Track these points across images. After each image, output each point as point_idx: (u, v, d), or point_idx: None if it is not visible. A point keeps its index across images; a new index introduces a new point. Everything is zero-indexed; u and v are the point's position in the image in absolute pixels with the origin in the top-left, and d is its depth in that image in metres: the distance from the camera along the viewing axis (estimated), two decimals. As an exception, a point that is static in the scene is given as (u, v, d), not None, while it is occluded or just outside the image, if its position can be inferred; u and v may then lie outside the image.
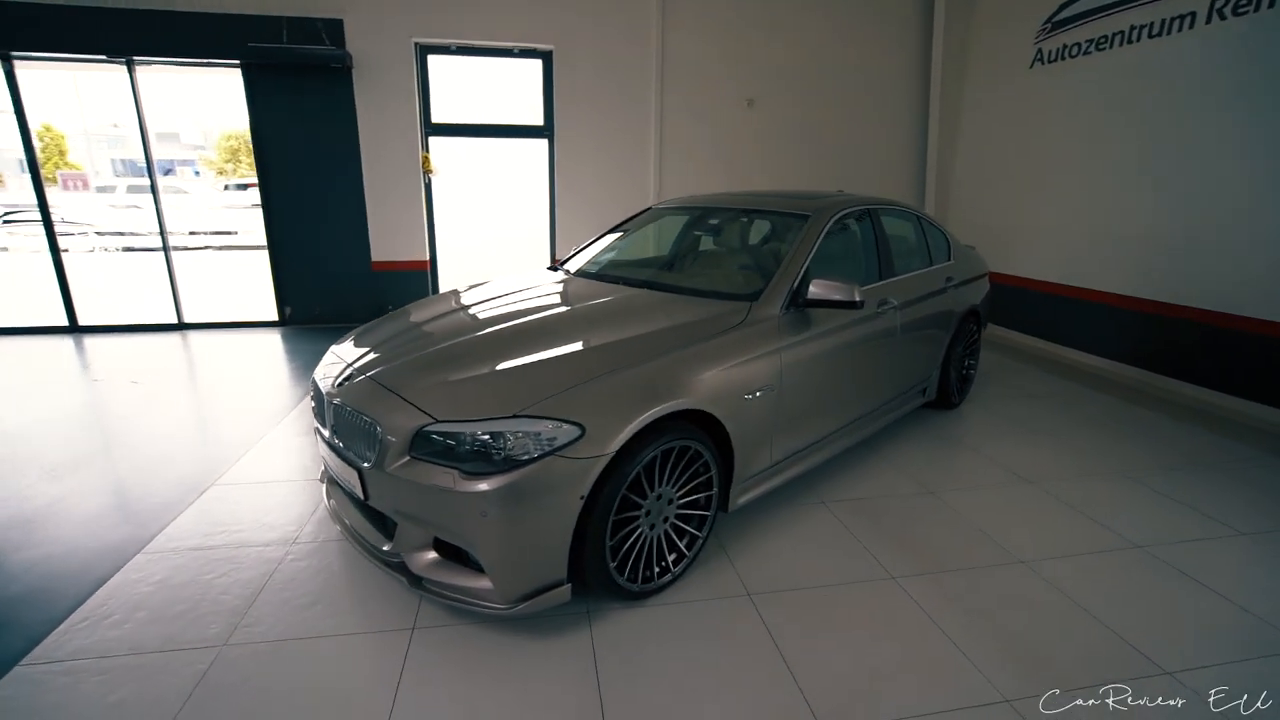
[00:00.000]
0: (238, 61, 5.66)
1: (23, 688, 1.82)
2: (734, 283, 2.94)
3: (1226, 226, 4.27)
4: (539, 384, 2.00)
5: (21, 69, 5.56)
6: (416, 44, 5.97)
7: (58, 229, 6.10)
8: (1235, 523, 2.80)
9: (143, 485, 3.06)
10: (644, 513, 2.12)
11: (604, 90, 6.34)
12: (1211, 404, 4.34)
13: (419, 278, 6.49)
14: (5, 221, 11.94)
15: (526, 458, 1.82)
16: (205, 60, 5.70)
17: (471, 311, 2.78)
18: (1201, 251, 4.44)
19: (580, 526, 1.93)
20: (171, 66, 5.84)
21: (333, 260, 6.33)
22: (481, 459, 1.84)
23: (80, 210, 12.92)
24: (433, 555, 1.99)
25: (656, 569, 2.23)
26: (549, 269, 3.55)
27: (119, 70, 5.69)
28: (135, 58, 5.60)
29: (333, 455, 2.19)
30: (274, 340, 5.95)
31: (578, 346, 2.27)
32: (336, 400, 2.17)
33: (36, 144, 5.80)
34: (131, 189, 14.66)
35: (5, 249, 11.59)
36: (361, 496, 2.07)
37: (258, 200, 6.23)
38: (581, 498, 1.88)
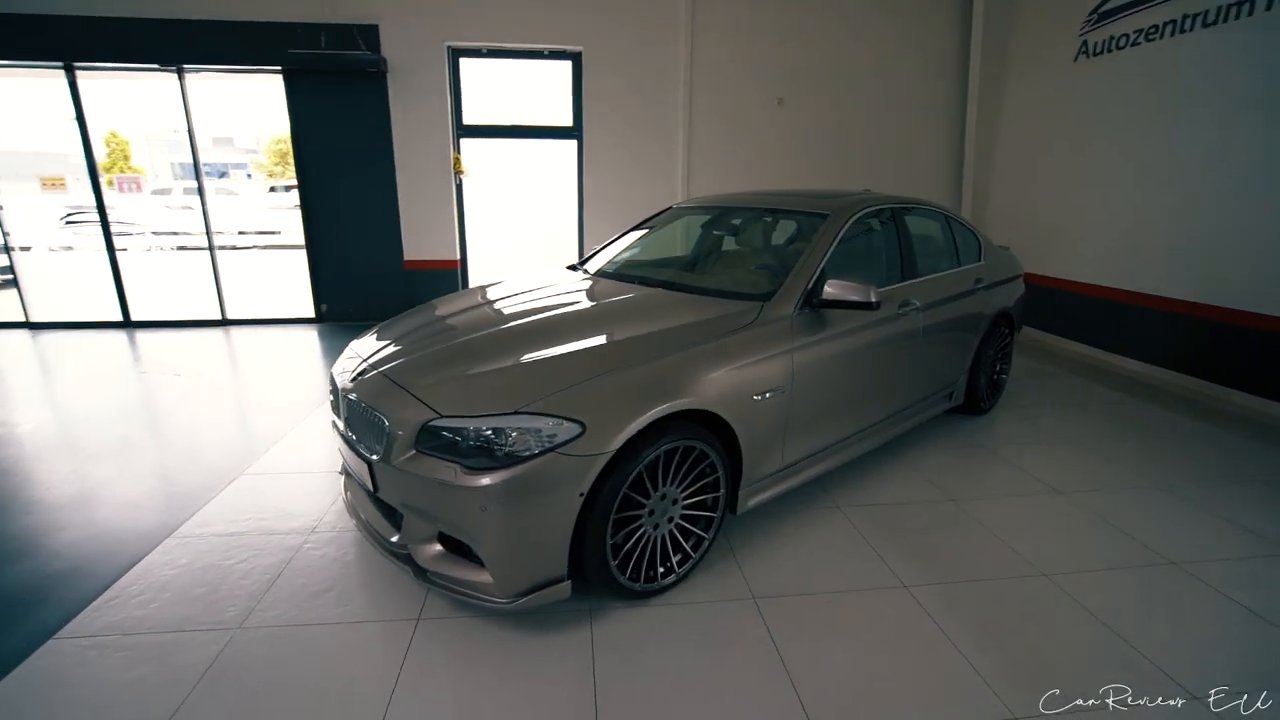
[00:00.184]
0: (279, 68, 5.88)
1: (55, 659, 1.92)
2: (747, 282, 2.91)
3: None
4: (543, 381, 2.02)
5: (83, 79, 5.91)
6: (449, 47, 6.10)
7: (115, 229, 6.45)
8: (1283, 541, 2.63)
9: (177, 472, 3.21)
10: (647, 512, 2.12)
11: (632, 91, 6.35)
12: (1264, 414, 4.09)
13: (449, 277, 6.63)
14: (68, 222, 12.69)
15: (527, 454, 1.84)
16: (249, 67, 5.95)
17: (483, 309, 2.82)
18: (1258, 253, 4.18)
19: (581, 524, 1.93)
20: (218, 73, 6.10)
21: (366, 259, 6.51)
22: (484, 454, 1.86)
23: (137, 212, 13.63)
24: (438, 548, 2.02)
25: (660, 569, 2.22)
26: (568, 268, 3.58)
27: (171, 78, 5.97)
28: (185, 66, 5.88)
29: (346, 448, 2.26)
30: (310, 337, 6.16)
31: (585, 345, 2.27)
32: (351, 395, 2.23)
33: (103, 149, 6.16)
34: (187, 191, 15.38)
35: (71, 248, 12.31)
36: (371, 488, 2.12)
37: (299, 201, 6.46)
38: (581, 495, 1.89)
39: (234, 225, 14.09)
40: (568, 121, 6.50)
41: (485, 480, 1.82)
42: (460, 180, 6.49)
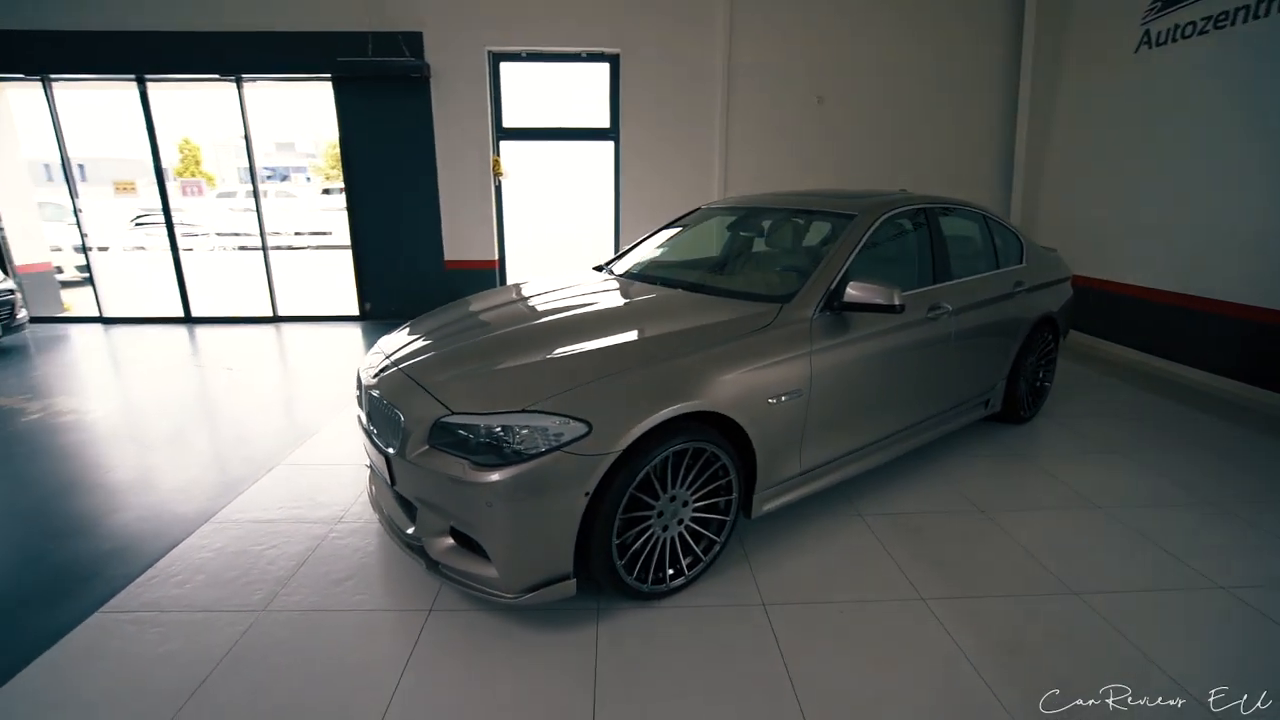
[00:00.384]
0: (328, 75, 6.14)
1: (98, 633, 2.06)
2: (768, 284, 2.87)
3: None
4: (554, 380, 2.04)
5: (153, 90, 6.30)
6: (490, 52, 6.23)
7: (180, 231, 6.86)
8: (1352, 568, 2.42)
9: (221, 461, 3.39)
10: (656, 513, 2.12)
11: (670, 92, 6.35)
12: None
13: (488, 276, 6.77)
14: (138, 224, 13.57)
15: (534, 452, 1.86)
16: (301, 75, 6.23)
17: (504, 309, 2.87)
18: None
19: (587, 523, 1.95)
20: (273, 82, 6.41)
21: (409, 259, 6.72)
22: (492, 451, 1.90)
23: (202, 214, 14.46)
24: (449, 541, 2.07)
25: (669, 571, 2.21)
26: (594, 269, 3.61)
27: (231, 87, 6.31)
28: (243, 75, 6.20)
29: (368, 441, 2.34)
30: (354, 334, 6.40)
31: (599, 345, 2.28)
32: (374, 391, 2.31)
33: (174, 154, 6.58)
34: (249, 194, 16.21)
35: (142, 248, 13.16)
36: (389, 481, 2.19)
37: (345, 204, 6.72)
38: (587, 494, 1.90)
39: (291, 226, 14.77)
40: (605, 123, 6.55)
41: (492, 477, 1.85)
42: (500, 182, 6.62)
